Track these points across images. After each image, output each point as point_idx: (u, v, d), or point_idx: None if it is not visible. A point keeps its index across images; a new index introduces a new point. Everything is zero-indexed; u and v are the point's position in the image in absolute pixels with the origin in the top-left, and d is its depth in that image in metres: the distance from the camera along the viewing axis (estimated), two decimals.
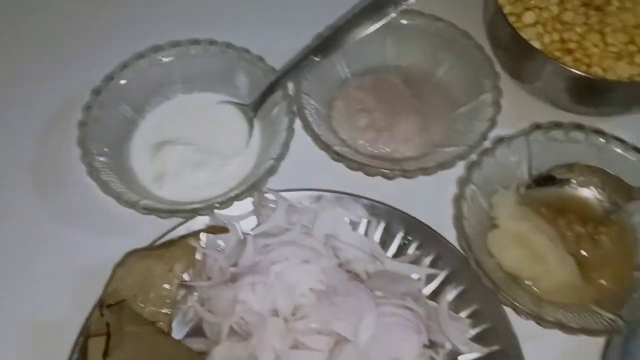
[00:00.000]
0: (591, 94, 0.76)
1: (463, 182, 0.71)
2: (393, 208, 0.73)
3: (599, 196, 0.73)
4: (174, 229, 0.71)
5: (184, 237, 0.69)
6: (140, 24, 0.91)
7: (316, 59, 0.77)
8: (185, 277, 0.69)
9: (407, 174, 0.73)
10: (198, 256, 0.69)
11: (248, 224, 0.72)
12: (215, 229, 0.70)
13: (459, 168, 0.74)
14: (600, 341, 0.67)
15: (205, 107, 0.81)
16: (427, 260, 0.71)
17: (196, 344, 0.66)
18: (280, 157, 0.72)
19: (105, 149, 0.75)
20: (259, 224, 0.71)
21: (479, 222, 0.71)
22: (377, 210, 0.73)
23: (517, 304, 0.64)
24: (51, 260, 0.73)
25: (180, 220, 0.71)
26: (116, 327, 0.60)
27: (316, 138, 0.74)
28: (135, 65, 0.79)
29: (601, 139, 0.73)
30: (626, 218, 0.72)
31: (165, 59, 0.80)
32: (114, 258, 0.70)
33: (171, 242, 0.69)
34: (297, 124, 0.75)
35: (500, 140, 0.73)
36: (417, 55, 0.85)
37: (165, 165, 0.75)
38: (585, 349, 0.67)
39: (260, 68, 0.79)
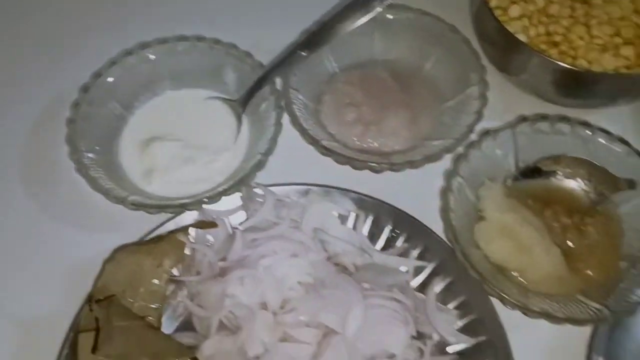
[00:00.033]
0: (577, 86, 0.76)
1: (450, 175, 0.71)
2: (381, 201, 0.74)
3: (585, 187, 0.74)
4: (163, 224, 0.71)
5: (172, 232, 0.70)
6: (128, 22, 0.92)
7: (303, 54, 0.77)
8: (175, 272, 0.69)
9: (394, 167, 0.73)
10: (187, 251, 0.70)
11: (237, 219, 0.73)
12: (204, 224, 0.70)
13: (446, 161, 0.75)
14: (586, 330, 0.67)
15: (194, 103, 0.81)
16: (415, 252, 0.71)
17: (186, 338, 0.66)
18: (268, 152, 0.72)
19: (94, 146, 0.75)
20: (247, 219, 0.71)
21: (466, 215, 0.71)
22: (366, 203, 0.74)
23: (503, 295, 0.64)
24: (41, 256, 0.73)
25: (169, 215, 0.72)
26: (105, 322, 0.61)
27: (304, 132, 0.75)
28: (124, 62, 0.79)
29: (587, 131, 0.73)
30: (612, 209, 0.72)
31: (153, 56, 0.80)
32: (104, 254, 0.70)
33: (160, 238, 0.70)
34: (286, 119, 0.76)
35: (486, 133, 0.74)
36: (404, 49, 0.85)
37: (154, 161, 0.76)
38: (572, 338, 0.67)
39: (248, 64, 0.79)
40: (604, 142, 0.73)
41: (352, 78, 0.83)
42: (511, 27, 0.77)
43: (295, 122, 0.75)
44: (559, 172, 0.74)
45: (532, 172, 0.74)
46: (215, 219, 0.71)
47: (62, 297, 0.70)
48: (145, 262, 0.68)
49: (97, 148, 0.75)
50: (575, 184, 0.74)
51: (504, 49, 0.79)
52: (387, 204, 0.73)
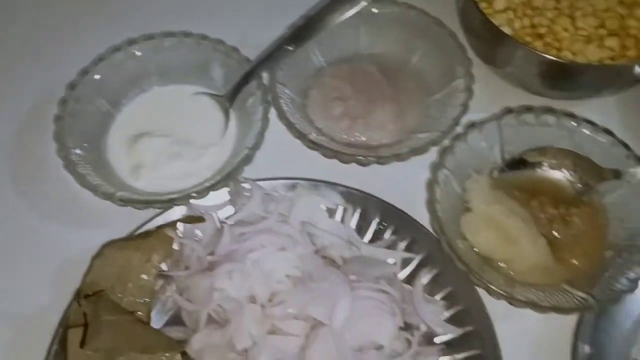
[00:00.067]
0: (562, 77, 0.77)
1: (436, 167, 0.72)
2: (368, 194, 0.74)
3: (570, 178, 0.74)
4: (151, 219, 0.72)
5: (160, 227, 0.70)
6: (115, 18, 0.92)
7: (290, 48, 0.78)
8: (164, 266, 0.69)
9: (381, 160, 0.74)
10: (175, 246, 0.70)
11: (225, 214, 0.73)
12: (192, 219, 0.71)
13: (432, 153, 0.75)
14: (572, 320, 0.68)
15: (181, 99, 0.81)
16: (403, 244, 0.72)
17: (175, 333, 0.67)
18: (256, 147, 0.73)
19: (81, 143, 0.75)
20: (235, 213, 0.72)
21: (453, 206, 0.72)
22: (353, 197, 0.74)
23: (489, 285, 0.65)
24: (29, 253, 0.74)
25: (158, 211, 0.72)
26: (93, 317, 0.61)
27: (291, 127, 0.75)
28: (110, 58, 0.79)
29: (572, 122, 0.74)
30: (597, 199, 0.73)
31: (140, 52, 0.80)
32: (93, 250, 0.71)
33: (148, 233, 0.70)
34: (273, 113, 0.76)
35: (472, 125, 0.74)
36: (391, 43, 0.85)
37: (141, 157, 0.76)
38: (558, 327, 0.68)
39: (235, 59, 0.80)
40: (589, 133, 0.73)
41: (339, 72, 0.83)
42: (496, 20, 0.78)
43: (282, 116, 0.76)
44: (544, 163, 0.75)
45: (518, 163, 0.75)
46: (203, 213, 0.71)
47: (51, 293, 0.70)
48: (133, 258, 0.68)
49: (85, 145, 0.75)
50: (560, 175, 0.74)
51: (490, 42, 0.79)
52: (374, 197, 0.74)
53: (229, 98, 0.79)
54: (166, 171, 0.75)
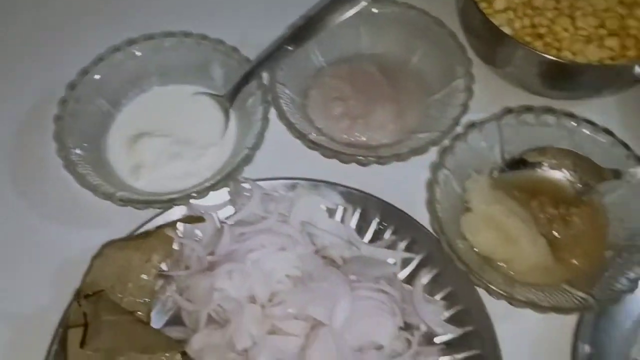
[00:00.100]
0: (561, 77, 0.77)
1: (436, 167, 0.72)
2: (369, 194, 0.74)
3: (570, 178, 0.74)
4: (151, 219, 0.72)
5: (160, 227, 0.70)
6: (115, 18, 0.92)
7: (290, 48, 0.78)
8: (164, 266, 0.69)
9: (381, 160, 0.74)
10: (175, 246, 0.70)
11: (225, 214, 0.73)
12: (192, 219, 0.71)
13: (432, 153, 0.75)
14: (572, 320, 0.68)
15: (181, 99, 0.81)
16: (403, 244, 0.72)
17: (175, 333, 0.67)
18: (256, 147, 0.73)
19: (81, 143, 0.75)
20: (235, 213, 0.72)
21: (453, 206, 0.72)
22: (353, 197, 0.74)
23: (489, 285, 0.65)
24: (30, 253, 0.74)
25: (158, 211, 0.72)
26: (93, 317, 0.61)
27: (291, 127, 0.75)
28: (110, 59, 0.79)
29: (572, 122, 0.74)
30: (597, 198, 0.73)
31: (140, 52, 0.80)
32: (93, 250, 0.71)
33: (148, 233, 0.70)
34: (273, 113, 0.76)
35: (472, 125, 0.74)
36: (391, 43, 0.85)
37: (141, 157, 0.76)
38: (558, 327, 0.68)
39: (235, 59, 0.80)
40: (589, 133, 0.73)
41: (339, 72, 0.83)
42: (496, 20, 0.78)
43: (282, 116, 0.76)
44: (544, 163, 0.75)
45: (518, 163, 0.75)
46: (203, 213, 0.71)
47: (51, 293, 0.70)
48: (133, 258, 0.68)
49: (85, 145, 0.75)
50: (560, 175, 0.74)
51: (490, 42, 0.79)
52: (374, 197, 0.74)
53: (229, 98, 0.79)
54: (166, 171, 0.75)
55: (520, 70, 0.79)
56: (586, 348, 0.65)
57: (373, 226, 0.73)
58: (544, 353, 0.68)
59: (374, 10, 0.83)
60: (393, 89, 0.82)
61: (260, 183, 0.73)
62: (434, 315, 0.68)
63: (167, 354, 0.63)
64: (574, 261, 0.70)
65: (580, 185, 0.73)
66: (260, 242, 0.68)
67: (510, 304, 0.65)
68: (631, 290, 0.64)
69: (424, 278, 0.70)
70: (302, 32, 0.78)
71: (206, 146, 0.77)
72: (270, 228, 0.70)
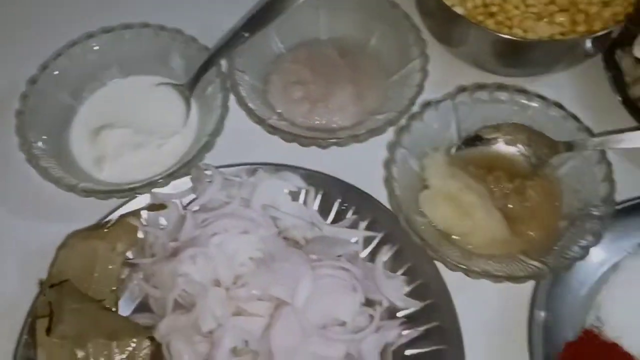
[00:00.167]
0: (514, 55, 0.79)
1: (392, 147, 0.73)
2: (330, 176, 0.76)
3: (525, 152, 0.76)
4: (115, 209, 0.73)
5: (124, 216, 0.71)
6: (73, 12, 0.92)
7: (246, 35, 0.79)
8: (130, 255, 0.71)
9: (340, 142, 0.75)
10: (140, 234, 0.71)
11: (189, 200, 0.74)
12: (154, 207, 0.72)
13: (391, 133, 0.77)
14: (528, 290, 0.70)
15: (143, 90, 0.82)
16: (364, 224, 0.73)
17: (143, 319, 0.68)
18: (215, 134, 0.74)
19: (44, 137, 0.76)
20: (196, 198, 0.73)
21: (411, 184, 0.73)
22: (315, 179, 0.75)
23: (445, 258, 0.67)
24: None
25: (122, 201, 0.73)
26: (57, 305, 0.62)
27: (250, 112, 0.76)
28: (70, 53, 0.80)
29: (524, 98, 0.75)
30: (551, 171, 0.75)
31: (99, 45, 0.81)
32: (59, 241, 0.72)
33: (112, 222, 0.71)
34: (233, 100, 0.77)
35: (427, 104, 0.76)
36: (349, 26, 0.86)
37: (104, 149, 0.77)
38: (515, 297, 0.70)
39: (193, 48, 0.81)
40: (540, 107, 0.75)
41: (299, 57, 0.84)
42: (449, 0, 0.79)
43: (241, 102, 0.77)
44: (499, 139, 0.76)
45: (474, 140, 0.77)
46: (166, 201, 0.72)
47: (19, 285, 0.71)
48: (98, 247, 0.69)
49: (48, 138, 0.76)
50: (515, 150, 0.76)
51: (443, 22, 0.81)
52: (335, 178, 0.75)
53: (189, 87, 0.80)
54: (129, 161, 0.76)
55: (474, 49, 0.81)
56: (542, 314, 0.67)
57: (335, 207, 0.75)
58: (502, 322, 0.70)
59: None
60: (352, 71, 0.83)
61: (223, 169, 0.74)
62: (395, 290, 0.69)
63: (134, 340, 0.65)
64: (530, 232, 0.72)
65: (535, 159, 0.75)
66: (223, 226, 0.69)
67: (467, 275, 0.66)
68: (582, 257, 0.66)
69: (385, 255, 0.71)
70: (258, 18, 0.79)
71: (168, 135, 0.78)
72: (233, 212, 0.71)
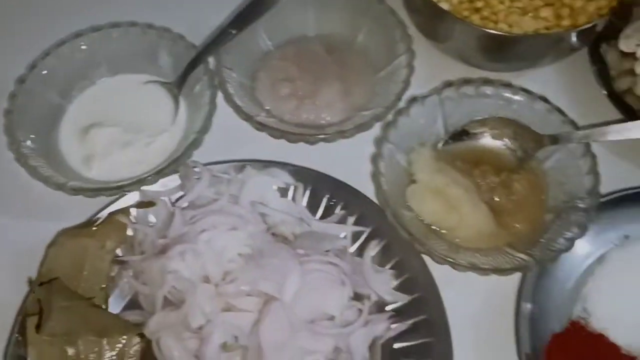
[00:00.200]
0: (500, 49, 0.79)
1: (379, 141, 0.74)
2: (318, 172, 0.76)
3: (511, 146, 0.76)
4: (105, 207, 0.73)
5: (113, 214, 0.71)
6: (61, 11, 0.92)
7: (233, 32, 0.79)
8: (119, 252, 0.71)
9: (327, 138, 0.76)
10: (129, 232, 0.72)
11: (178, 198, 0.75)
12: (143, 204, 0.72)
13: (378, 129, 0.77)
14: (515, 282, 0.71)
15: (131, 88, 0.83)
16: (352, 219, 0.74)
17: (134, 316, 0.69)
18: (203, 131, 0.74)
19: (33, 136, 0.76)
20: (184, 195, 0.73)
21: (398, 179, 0.74)
22: (303, 175, 0.76)
23: (432, 252, 0.67)
24: None
25: (112, 199, 0.73)
26: (46, 303, 0.63)
27: (238, 109, 0.77)
28: (58, 52, 0.80)
29: (509, 92, 0.76)
30: (537, 165, 0.75)
31: (87, 44, 0.81)
32: (49, 240, 0.72)
33: (101, 220, 0.71)
34: (221, 97, 0.78)
35: (414, 99, 0.76)
36: (336, 23, 0.87)
37: (93, 148, 0.77)
38: (502, 290, 0.71)
39: (181, 46, 0.81)
40: (526, 101, 0.76)
41: (286, 54, 0.85)
42: None
43: (228, 99, 0.77)
44: (486, 134, 0.77)
45: (461, 134, 0.77)
46: (154, 198, 0.73)
47: (10, 284, 0.71)
48: (88, 245, 0.70)
49: (36, 137, 0.77)
50: (501, 144, 0.77)
51: (429, 18, 0.81)
52: (323, 174, 0.76)
53: (177, 85, 0.80)
54: (118, 160, 0.77)
55: (460, 45, 0.81)
56: (528, 306, 0.67)
57: (324, 203, 0.75)
58: (489, 314, 0.70)
59: None
60: (340, 68, 0.84)
61: (211, 166, 0.75)
62: (384, 284, 0.70)
63: (124, 337, 0.65)
64: (516, 225, 0.72)
65: (521, 153, 0.76)
66: (212, 223, 0.70)
67: (454, 268, 0.67)
68: (567, 249, 0.67)
69: (373, 249, 0.72)
70: (245, 15, 0.80)
71: (157, 133, 0.78)
72: (221, 209, 0.71)
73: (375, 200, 0.74)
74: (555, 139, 0.73)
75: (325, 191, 0.75)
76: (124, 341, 0.65)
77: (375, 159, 0.73)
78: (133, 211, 0.72)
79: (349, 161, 0.78)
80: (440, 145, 0.77)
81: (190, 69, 0.79)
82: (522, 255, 0.68)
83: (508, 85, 0.76)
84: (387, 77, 0.82)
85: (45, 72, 0.79)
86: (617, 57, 0.81)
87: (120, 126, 0.79)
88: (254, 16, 0.80)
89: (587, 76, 0.82)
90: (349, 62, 0.85)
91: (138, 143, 0.77)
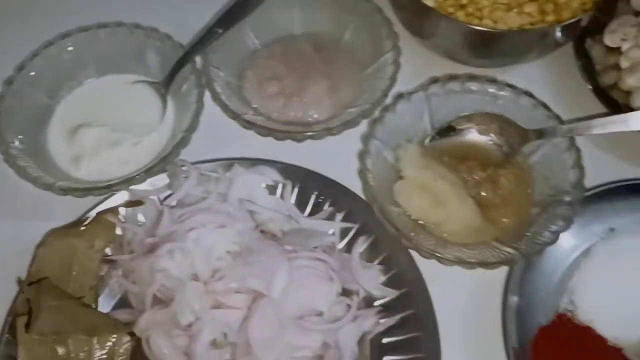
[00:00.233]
0: (485, 45, 0.80)
1: (366, 138, 0.74)
2: (306, 169, 0.76)
3: (497, 141, 0.77)
4: (94, 207, 0.73)
5: (101, 213, 0.72)
6: (48, 12, 0.93)
7: (219, 31, 0.79)
8: (108, 251, 0.71)
9: (315, 135, 0.76)
10: (119, 231, 0.72)
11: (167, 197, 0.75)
12: (131, 203, 0.72)
13: (365, 126, 0.77)
14: (502, 275, 0.71)
15: (119, 88, 0.83)
16: (340, 215, 0.74)
17: (124, 315, 0.69)
18: (191, 129, 0.75)
19: (21, 136, 0.77)
20: (172, 194, 0.74)
21: (385, 175, 0.74)
22: (291, 173, 0.76)
23: (419, 246, 0.68)
24: None
25: (100, 198, 0.74)
26: (35, 303, 0.63)
27: (225, 108, 0.77)
28: (46, 53, 0.81)
29: (495, 87, 0.77)
30: (523, 159, 0.76)
31: (75, 45, 0.82)
32: (38, 240, 0.72)
33: (90, 220, 0.72)
34: (208, 96, 0.78)
35: (400, 96, 0.77)
36: (323, 21, 0.87)
37: (81, 148, 0.78)
38: (488, 284, 0.71)
39: (168, 46, 0.81)
40: (511, 97, 0.76)
41: (273, 52, 0.85)
42: None
43: (216, 98, 0.77)
44: (472, 129, 0.77)
45: (447, 130, 0.78)
46: (143, 197, 0.73)
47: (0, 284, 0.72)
48: (77, 244, 0.70)
49: (25, 138, 0.77)
50: (488, 139, 0.77)
51: (415, 15, 0.82)
52: (311, 171, 0.76)
53: (165, 84, 0.80)
54: (106, 159, 0.77)
55: (446, 41, 0.82)
56: (515, 299, 0.68)
57: (312, 200, 0.76)
58: (476, 308, 0.71)
59: None
60: (327, 65, 0.84)
61: (199, 165, 0.75)
62: (372, 279, 0.70)
63: (114, 335, 0.66)
64: (503, 220, 0.73)
65: (507, 148, 0.76)
66: (200, 221, 0.70)
67: (441, 262, 0.68)
68: (552, 242, 0.68)
69: (361, 246, 0.72)
70: (231, 14, 0.80)
71: (145, 133, 0.79)
72: (210, 207, 0.72)
73: (363, 196, 0.74)
74: (540, 134, 0.74)
75: (314, 188, 0.76)
76: (114, 340, 0.66)
77: (362, 155, 0.73)
78: (122, 210, 0.73)
79: (337, 158, 0.78)
80: (427, 141, 0.78)
81: (178, 69, 0.79)
82: (508, 249, 0.69)
83: (493, 81, 0.77)
84: (373, 74, 0.82)
85: (33, 73, 0.80)
86: (602, 52, 0.82)
87: (108, 126, 0.79)
88: (241, 15, 0.80)
89: (572, 71, 0.83)
90: (336, 60, 0.85)
91: (126, 143, 0.78)
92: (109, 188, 0.72)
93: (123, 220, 0.73)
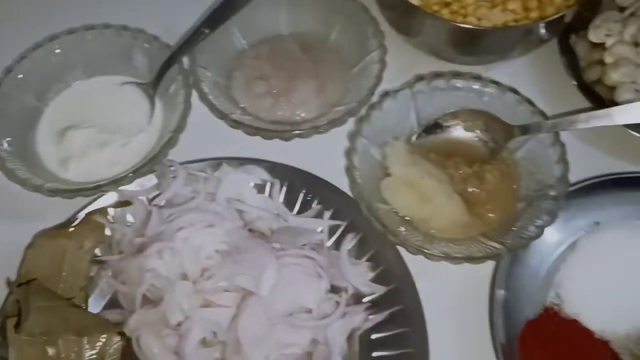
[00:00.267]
0: (470, 43, 0.80)
1: (353, 136, 0.75)
2: (294, 168, 0.77)
3: (483, 137, 0.78)
4: (82, 208, 0.74)
5: (90, 214, 0.72)
6: (36, 15, 0.93)
7: (206, 31, 0.80)
8: (98, 252, 0.72)
9: (302, 134, 0.77)
10: (108, 232, 0.72)
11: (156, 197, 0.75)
12: (120, 203, 0.73)
13: (352, 124, 0.78)
14: (489, 270, 0.72)
15: (107, 90, 0.83)
16: (328, 213, 0.75)
17: (114, 315, 0.69)
18: (179, 130, 0.75)
19: (9, 139, 0.77)
20: (160, 194, 0.74)
21: (373, 173, 0.75)
22: (279, 171, 0.77)
23: (406, 243, 0.68)
24: None
25: (90, 199, 0.74)
26: (24, 303, 0.63)
27: (213, 108, 0.77)
28: (33, 55, 0.81)
29: (479, 84, 0.77)
30: (508, 155, 0.77)
31: (62, 47, 0.82)
32: (27, 241, 0.73)
33: (79, 221, 0.72)
34: (196, 96, 0.78)
35: (386, 94, 0.77)
36: (310, 21, 0.88)
37: (70, 149, 0.78)
38: (475, 279, 0.72)
39: (156, 47, 0.82)
40: (496, 93, 0.77)
41: (261, 52, 0.86)
42: None
43: (203, 98, 0.78)
44: (458, 126, 0.78)
45: (434, 127, 0.78)
46: (132, 198, 0.74)
47: None
48: (66, 245, 0.70)
49: (13, 140, 0.77)
50: (473, 135, 0.78)
51: (400, 13, 0.82)
52: (299, 170, 0.77)
53: (153, 85, 0.81)
54: (95, 161, 0.77)
55: (430, 39, 0.82)
56: (502, 293, 0.69)
57: (300, 198, 0.76)
58: (463, 303, 0.71)
59: None
60: (314, 65, 0.85)
61: (187, 165, 0.76)
62: (360, 276, 0.71)
63: (104, 336, 0.66)
64: (489, 215, 0.74)
65: (492, 144, 0.77)
66: (189, 221, 0.71)
67: (428, 258, 0.68)
68: (538, 236, 0.68)
69: (349, 243, 0.73)
70: (217, 15, 0.80)
71: (133, 133, 0.79)
72: (198, 207, 0.72)
73: (350, 194, 0.75)
74: (525, 129, 0.74)
75: (302, 187, 0.76)
76: (104, 340, 0.66)
77: (349, 153, 0.74)
78: (111, 211, 0.73)
79: (325, 156, 0.78)
80: (413, 138, 0.78)
81: (165, 69, 0.80)
82: (495, 244, 0.70)
83: (478, 78, 0.78)
84: (359, 72, 0.83)
85: (21, 75, 0.80)
86: (586, 48, 0.83)
87: (97, 127, 0.79)
88: (227, 15, 0.81)
89: (557, 67, 0.83)
90: (323, 60, 0.86)
91: (114, 144, 0.78)
92: (98, 189, 0.72)
93: (112, 220, 0.73)
